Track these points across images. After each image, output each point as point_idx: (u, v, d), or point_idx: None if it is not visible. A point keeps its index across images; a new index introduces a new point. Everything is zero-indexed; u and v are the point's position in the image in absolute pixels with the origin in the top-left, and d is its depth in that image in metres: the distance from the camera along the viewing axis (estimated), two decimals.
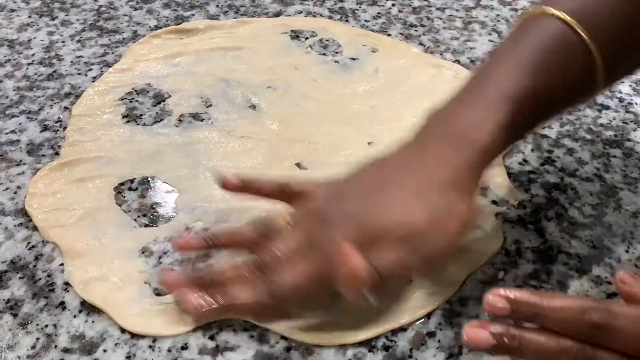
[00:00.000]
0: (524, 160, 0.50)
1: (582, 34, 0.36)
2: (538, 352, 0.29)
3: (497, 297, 0.30)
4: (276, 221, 0.40)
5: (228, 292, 0.36)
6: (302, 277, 0.36)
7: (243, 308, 0.36)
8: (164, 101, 0.54)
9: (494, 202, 0.46)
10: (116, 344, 0.37)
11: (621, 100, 0.57)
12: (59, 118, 0.53)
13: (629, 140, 0.53)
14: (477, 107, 0.37)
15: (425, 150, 0.37)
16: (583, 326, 0.29)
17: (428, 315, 0.39)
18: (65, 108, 0.54)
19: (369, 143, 0.51)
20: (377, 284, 0.34)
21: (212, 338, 0.37)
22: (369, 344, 0.37)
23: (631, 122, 0.54)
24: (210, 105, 0.54)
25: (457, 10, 0.69)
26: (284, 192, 0.41)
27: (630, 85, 0.59)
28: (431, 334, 0.38)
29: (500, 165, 0.49)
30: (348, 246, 0.34)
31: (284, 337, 0.37)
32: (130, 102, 0.54)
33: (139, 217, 0.44)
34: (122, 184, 0.47)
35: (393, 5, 0.69)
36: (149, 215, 0.44)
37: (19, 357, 0.36)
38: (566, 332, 0.29)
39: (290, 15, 0.67)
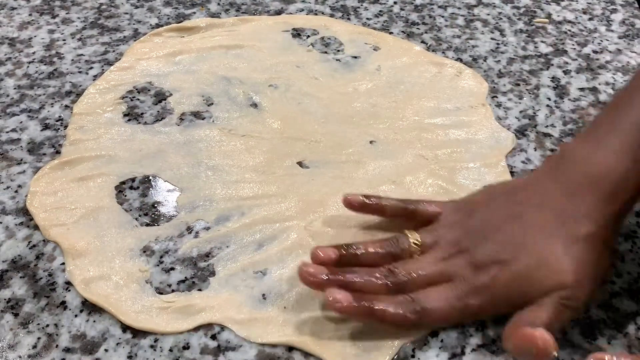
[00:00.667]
0: (527, 159, 0.50)
1: None
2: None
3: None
4: (405, 242, 0.40)
5: (376, 302, 0.36)
6: (452, 308, 0.37)
7: (390, 320, 0.36)
8: (165, 100, 0.54)
9: None
10: (117, 344, 0.37)
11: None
12: (59, 116, 0.52)
13: None
14: (619, 155, 0.37)
15: (569, 188, 0.38)
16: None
17: None
18: (66, 106, 0.53)
19: (371, 142, 0.51)
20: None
21: (213, 338, 0.37)
22: None
23: None
24: (212, 104, 0.54)
25: (459, 8, 0.69)
26: (409, 214, 0.42)
27: None
28: (434, 334, 0.38)
29: (503, 164, 0.49)
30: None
31: None
32: (132, 100, 0.54)
33: (140, 216, 0.44)
34: (123, 182, 0.47)
35: (395, 3, 0.69)
36: (150, 214, 0.44)
37: (20, 357, 0.36)
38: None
39: (291, 13, 0.67)
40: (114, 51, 0.60)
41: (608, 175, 0.37)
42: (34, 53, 0.60)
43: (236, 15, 0.66)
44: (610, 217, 0.37)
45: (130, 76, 0.57)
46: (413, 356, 0.37)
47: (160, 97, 0.55)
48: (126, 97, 0.54)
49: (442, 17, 0.67)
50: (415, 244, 0.39)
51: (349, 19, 0.66)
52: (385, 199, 0.42)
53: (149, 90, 0.55)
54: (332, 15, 0.66)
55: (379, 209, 0.42)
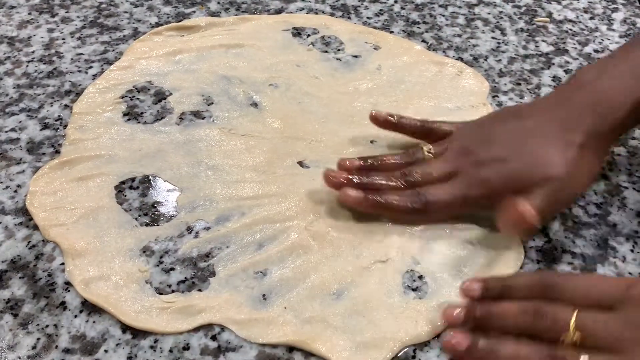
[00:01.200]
0: None
1: None
2: (504, 317, 0.34)
3: (472, 282, 0.37)
4: (420, 153, 0.45)
5: (383, 195, 0.42)
6: (454, 198, 0.42)
7: (397, 209, 0.42)
8: (165, 99, 0.54)
9: None
10: (117, 344, 0.37)
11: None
12: (59, 116, 0.52)
13: (633, 138, 0.52)
14: (620, 81, 0.42)
15: (570, 107, 0.42)
16: (537, 287, 0.35)
17: None
18: (66, 106, 0.53)
19: (371, 141, 0.50)
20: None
21: (214, 338, 0.37)
22: None
23: None
24: (212, 103, 0.54)
25: (459, 7, 0.69)
26: (425, 131, 0.47)
27: None
28: (435, 335, 0.38)
29: None
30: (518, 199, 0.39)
31: None
32: (131, 100, 0.54)
33: (140, 216, 0.44)
34: (122, 182, 0.46)
35: (395, 2, 0.69)
36: (150, 214, 0.44)
37: (19, 358, 0.36)
38: (525, 295, 0.35)
39: (291, 12, 0.66)
40: (113, 50, 0.60)
41: (609, 98, 0.42)
42: (33, 52, 0.60)
43: (236, 14, 0.65)
44: (606, 133, 0.42)
45: (130, 75, 0.56)
46: (414, 357, 0.36)
47: (160, 96, 0.54)
48: (126, 96, 0.54)
49: (443, 16, 0.67)
50: (428, 152, 0.45)
51: (349, 18, 0.66)
52: (406, 117, 0.48)
53: (148, 89, 0.55)
54: (332, 14, 0.66)
55: (399, 125, 0.48)
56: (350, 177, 0.43)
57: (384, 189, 0.43)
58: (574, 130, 0.41)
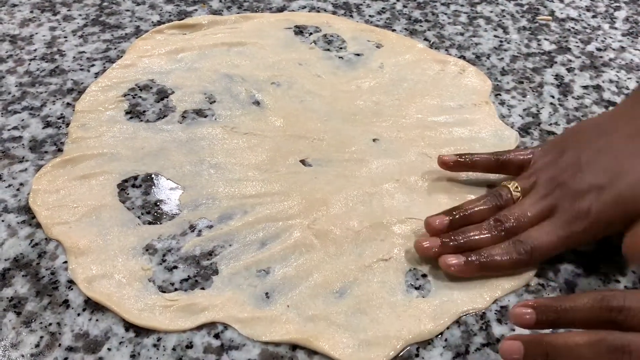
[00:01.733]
0: None
1: None
2: (571, 350, 0.30)
3: (522, 308, 0.32)
4: (506, 192, 0.42)
5: (485, 253, 0.39)
6: (559, 239, 0.39)
7: (503, 267, 0.39)
8: (167, 97, 0.54)
9: None
10: (120, 343, 0.37)
11: (628, 96, 0.56)
12: (61, 114, 0.52)
13: None
14: None
15: None
16: (603, 313, 0.30)
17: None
18: (68, 104, 0.53)
19: (374, 140, 0.50)
20: None
21: (217, 337, 0.37)
22: None
23: None
24: (214, 102, 0.54)
25: (462, 5, 0.69)
26: (500, 165, 0.45)
27: (638, 82, 0.58)
28: (438, 333, 0.38)
29: None
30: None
31: None
32: (134, 98, 0.54)
33: (142, 214, 0.44)
34: (125, 180, 0.46)
35: (397, 0, 0.69)
36: (153, 213, 0.44)
37: (22, 356, 0.36)
38: (589, 324, 0.31)
39: (294, 11, 0.66)
40: (115, 48, 0.60)
41: None
42: (35, 50, 0.60)
43: (238, 13, 0.65)
44: None
45: (132, 74, 0.56)
46: (417, 355, 0.36)
47: (163, 94, 0.54)
48: (128, 94, 0.54)
49: (445, 14, 0.67)
50: (516, 190, 0.42)
51: (351, 16, 0.66)
52: (477, 154, 0.45)
53: (151, 88, 0.55)
54: (334, 13, 0.66)
55: (471, 164, 0.45)
56: (443, 240, 0.40)
57: (482, 244, 0.40)
58: None
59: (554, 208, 0.40)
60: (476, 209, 0.41)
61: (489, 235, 0.40)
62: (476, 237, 0.40)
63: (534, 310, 0.32)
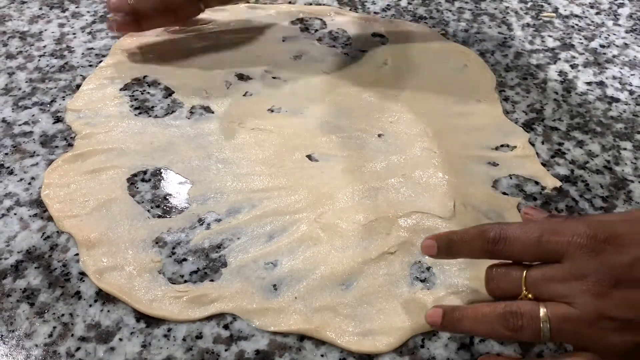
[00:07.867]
0: (535, 152, 0.50)
1: None
2: (476, 317, 0.34)
3: (428, 240, 0.37)
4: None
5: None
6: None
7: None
8: (175, 93, 0.55)
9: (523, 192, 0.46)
10: (132, 333, 0.37)
11: (631, 92, 0.57)
12: None
13: (639, 132, 0.53)
14: None
15: None
16: (485, 243, 0.35)
17: None
18: None
19: (379, 135, 0.51)
20: None
21: (226, 327, 0.38)
22: None
23: None
24: (220, 97, 0.54)
25: (466, 2, 0.69)
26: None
27: None
28: None
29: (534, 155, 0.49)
30: None
31: None
32: (142, 94, 0.55)
33: (152, 207, 0.45)
34: (134, 175, 0.47)
35: None
36: (162, 206, 0.45)
37: (36, 345, 0.37)
38: (473, 252, 0.36)
39: (299, 5, 0.67)
40: None
41: None
42: (44, 47, 0.60)
43: (242, 7, 0.66)
44: None
45: (138, 70, 0.57)
46: (422, 346, 0.37)
47: (170, 90, 0.55)
48: (136, 90, 0.55)
49: (450, 11, 0.67)
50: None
51: (356, 12, 0.66)
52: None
53: (159, 83, 0.56)
54: (339, 8, 0.67)
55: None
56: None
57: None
58: None
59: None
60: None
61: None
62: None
63: (436, 242, 0.37)
